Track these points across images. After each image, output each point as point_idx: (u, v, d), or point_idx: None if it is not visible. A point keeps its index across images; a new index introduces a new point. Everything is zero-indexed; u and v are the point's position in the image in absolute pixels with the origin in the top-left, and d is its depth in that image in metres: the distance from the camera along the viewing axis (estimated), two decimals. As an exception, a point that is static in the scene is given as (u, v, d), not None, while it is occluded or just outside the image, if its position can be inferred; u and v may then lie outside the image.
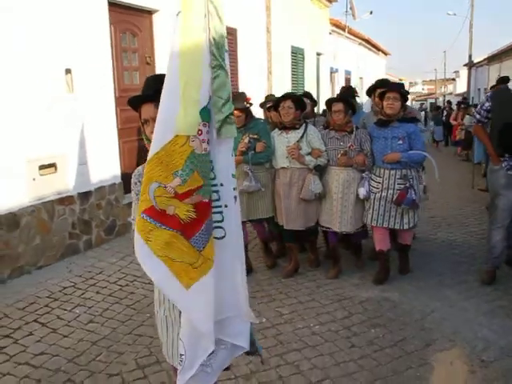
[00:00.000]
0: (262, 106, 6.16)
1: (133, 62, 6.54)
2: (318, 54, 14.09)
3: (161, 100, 1.71)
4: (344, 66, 16.78)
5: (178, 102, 1.69)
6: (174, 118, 1.69)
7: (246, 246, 4.83)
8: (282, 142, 4.73)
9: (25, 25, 4.83)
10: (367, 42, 20.09)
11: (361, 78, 19.15)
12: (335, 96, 5.54)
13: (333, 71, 15.45)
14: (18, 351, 3.51)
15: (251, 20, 9.72)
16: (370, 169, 4.63)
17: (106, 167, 5.87)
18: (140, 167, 2.13)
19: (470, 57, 27.95)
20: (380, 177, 4.56)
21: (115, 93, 6.02)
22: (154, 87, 1.93)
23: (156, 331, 3.14)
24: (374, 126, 4.66)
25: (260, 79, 10.12)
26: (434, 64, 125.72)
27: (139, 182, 2.07)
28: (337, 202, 4.65)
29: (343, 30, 16.20)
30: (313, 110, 5.83)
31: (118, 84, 6.14)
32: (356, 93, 6.25)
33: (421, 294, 4.43)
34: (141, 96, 2.04)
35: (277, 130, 4.88)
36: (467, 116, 13.57)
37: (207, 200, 1.75)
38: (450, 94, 48.53)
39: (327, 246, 5.41)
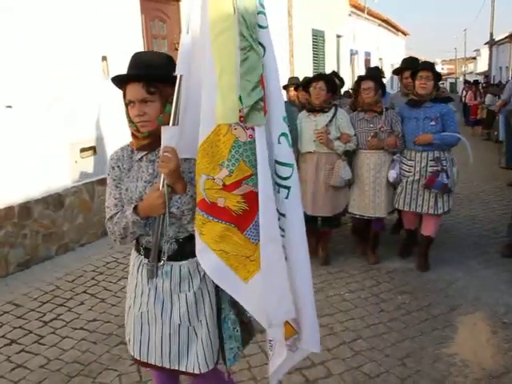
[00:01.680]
0: (285, 88, 6.05)
1: (162, 48, 6.79)
2: (338, 36, 14.16)
3: (202, 91, 1.66)
4: (363, 47, 16.78)
5: (216, 92, 1.60)
6: (214, 108, 1.60)
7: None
8: (310, 125, 4.53)
9: (65, 16, 5.12)
10: (386, 22, 19.98)
11: (380, 59, 19.11)
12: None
13: (353, 53, 15.49)
14: (73, 318, 3.84)
15: (272, 3, 9.85)
16: (401, 151, 4.47)
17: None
18: (118, 149, 1.98)
19: (492, 35, 27.50)
20: (412, 160, 4.37)
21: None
22: (142, 66, 1.79)
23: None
24: (405, 107, 4.48)
25: (282, 62, 10.27)
26: (454, 43, 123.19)
27: (117, 167, 1.92)
28: (369, 187, 4.49)
29: (362, 11, 16.19)
30: (339, 90, 5.71)
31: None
32: (383, 73, 6.05)
33: (444, 264, 4.65)
34: (129, 75, 1.82)
35: (304, 112, 4.67)
36: (488, 95, 13.55)
37: (257, 190, 1.67)
38: (471, 73, 47.80)
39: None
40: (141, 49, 6.15)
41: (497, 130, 11.54)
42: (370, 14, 16.89)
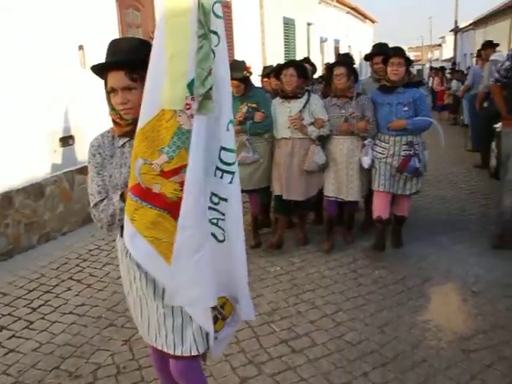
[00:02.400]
0: (263, 76, 6.05)
1: (137, 36, 6.81)
2: (309, 24, 14.31)
3: (147, 73, 1.61)
4: (333, 35, 16.99)
5: (164, 75, 1.58)
6: (159, 91, 1.59)
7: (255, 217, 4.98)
8: (284, 111, 4.56)
9: (41, 4, 5.12)
10: (355, 10, 20.23)
11: (349, 47, 19.35)
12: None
13: (322, 40, 15.67)
14: (61, 303, 3.91)
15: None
16: (372, 136, 4.49)
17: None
18: (98, 136, 2.00)
19: (456, 22, 28.14)
20: (386, 143, 4.40)
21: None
22: (123, 53, 1.80)
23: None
24: (378, 92, 4.49)
25: (254, 51, 10.38)
26: (421, 30, 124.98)
27: (99, 153, 1.95)
28: (342, 172, 4.54)
29: (331, -1, 16.39)
30: (312, 76, 5.73)
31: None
32: (353, 60, 6.01)
33: (417, 241, 4.88)
34: (110, 63, 1.82)
35: (278, 98, 4.71)
36: (454, 81, 13.94)
37: None
38: (437, 60, 48.67)
39: (319, 220, 5.44)
40: (116, 37, 6.17)
41: (462, 114, 11.91)
42: (339, 1, 17.07)
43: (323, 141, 4.57)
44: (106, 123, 1.97)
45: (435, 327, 3.31)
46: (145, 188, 1.66)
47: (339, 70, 4.47)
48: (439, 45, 51.29)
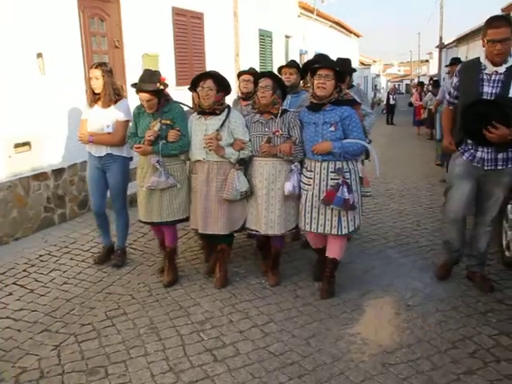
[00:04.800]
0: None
1: (102, 45, 6.87)
2: (287, 37, 14.47)
3: None
4: (314, 48, 17.14)
5: None
6: None
7: (172, 252, 4.38)
8: (200, 129, 4.00)
9: (-3, 11, 5.15)
10: (338, 24, 20.47)
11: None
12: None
13: (302, 53, 15.82)
14: (0, 308, 3.93)
15: (218, 4, 10.05)
16: (300, 160, 3.96)
17: (77, 145, 6.14)
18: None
19: (441, 38, 28.50)
20: (311, 171, 3.84)
21: (85, 74, 6.35)
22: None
23: (124, 289, 3.85)
24: (305, 110, 3.93)
25: (227, 62, 10.47)
26: (410, 46, 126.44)
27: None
28: (261, 199, 3.97)
29: (312, 12, 16.57)
30: (299, 81, 4.97)
31: (87, 66, 6.45)
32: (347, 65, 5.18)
33: (363, 254, 4.95)
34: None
35: (195, 114, 4.13)
36: (428, 94, 14.12)
37: None
38: (424, 75, 49.30)
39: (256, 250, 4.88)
40: (78, 46, 6.23)
41: (435, 129, 12.08)
42: (320, 15, 17.28)
43: (245, 164, 4.05)
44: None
45: (361, 340, 3.36)
46: None
47: (264, 82, 3.93)
48: (427, 60, 51.94)
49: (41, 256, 5.01)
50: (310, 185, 3.84)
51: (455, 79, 3.94)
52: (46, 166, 5.79)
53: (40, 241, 5.44)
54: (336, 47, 20.60)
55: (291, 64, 4.94)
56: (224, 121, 3.96)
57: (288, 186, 3.87)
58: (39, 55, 5.63)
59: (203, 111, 4.00)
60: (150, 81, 3.93)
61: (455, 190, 3.95)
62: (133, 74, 7.09)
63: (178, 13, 8.60)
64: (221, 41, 10.15)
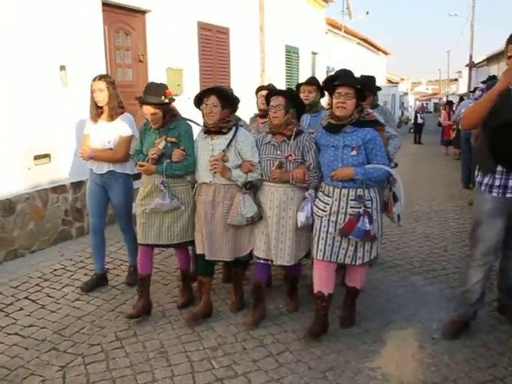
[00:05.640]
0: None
1: (126, 59, 6.86)
2: (314, 53, 14.39)
3: None
4: (341, 64, 16.99)
5: None
6: None
7: (146, 279, 3.98)
8: (206, 149, 3.72)
9: (23, 24, 5.16)
10: (365, 41, 20.34)
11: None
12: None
13: (329, 70, 15.69)
14: (9, 323, 3.84)
15: (244, 19, 10.02)
16: (314, 187, 3.64)
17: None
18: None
19: (471, 57, 28.13)
20: (329, 196, 3.49)
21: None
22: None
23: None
24: (322, 131, 3.60)
25: (253, 78, 10.40)
26: (439, 64, 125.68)
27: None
28: (271, 228, 3.67)
29: (339, 29, 16.48)
30: (319, 99, 4.66)
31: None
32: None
33: (387, 281, 4.72)
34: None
35: (201, 133, 3.86)
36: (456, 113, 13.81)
37: None
38: (453, 94, 48.68)
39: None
40: (102, 59, 6.22)
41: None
42: (348, 32, 17.18)
43: (254, 188, 3.74)
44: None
45: (382, 375, 3.14)
46: None
47: (276, 101, 3.62)
48: (456, 79, 51.31)
49: (55, 270, 4.94)
50: (326, 211, 3.50)
51: (479, 93, 3.44)
52: (64, 178, 5.75)
53: (56, 254, 5.38)
54: (363, 64, 20.47)
55: (310, 81, 4.60)
56: (231, 140, 3.67)
57: (301, 217, 3.56)
58: (62, 68, 5.63)
59: (209, 130, 3.73)
60: (155, 93, 3.70)
61: (486, 230, 3.43)
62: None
63: (203, 27, 8.59)
64: (246, 56, 10.11)
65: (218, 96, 3.64)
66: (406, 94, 43.21)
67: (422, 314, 4.01)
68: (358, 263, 3.52)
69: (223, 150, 3.64)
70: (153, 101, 3.66)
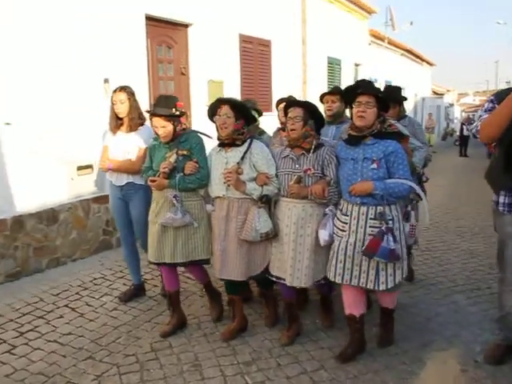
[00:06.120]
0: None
1: (168, 72, 6.99)
2: (357, 65, 14.26)
3: None
4: (384, 76, 16.80)
5: None
6: None
7: (174, 296, 3.97)
8: (220, 162, 3.58)
9: (69, 37, 5.36)
10: (409, 52, 20.02)
11: (403, 89, 19.14)
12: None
13: (372, 81, 15.56)
14: (49, 330, 3.93)
15: (286, 32, 10.05)
16: (335, 203, 3.44)
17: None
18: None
19: (521, 67, 27.23)
20: (347, 215, 3.28)
21: (150, 100, 6.47)
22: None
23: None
24: (343, 144, 3.40)
25: (294, 90, 10.38)
26: (486, 75, 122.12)
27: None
28: (288, 247, 3.46)
29: (382, 40, 16.29)
30: (344, 109, 4.42)
31: (153, 92, 6.59)
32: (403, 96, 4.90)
33: (428, 298, 4.56)
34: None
35: (216, 146, 3.72)
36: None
37: None
38: (502, 105, 47.14)
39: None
40: (144, 72, 6.35)
41: None
42: (391, 43, 16.95)
43: (270, 202, 3.57)
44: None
45: (420, 399, 3.03)
46: None
47: (293, 113, 3.43)
48: (505, 90, 49.69)
49: (95, 279, 5.03)
50: (344, 231, 3.29)
51: (490, 105, 3.15)
52: (106, 189, 5.86)
53: (96, 263, 5.49)
54: (408, 76, 20.14)
55: (334, 91, 4.39)
56: (245, 152, 3.51)
57: (323, 235, 3.34)
58: (106, 80, 5.79)
59: (223, 143, 3.60)
60: (165, 105, 3.60)
61: None
62: (198, 101, 7.19)
63: (245, 40, 8.66)
64: (288, 68, 10.12)
65: (231, 106, 3.52)
66: (451, 105, 42.15)
67: (464, 336, 3.83)
68: (381, 289, 3.27)
69: (237, 163, 3.50)
70: (163, 113, 3.56)
